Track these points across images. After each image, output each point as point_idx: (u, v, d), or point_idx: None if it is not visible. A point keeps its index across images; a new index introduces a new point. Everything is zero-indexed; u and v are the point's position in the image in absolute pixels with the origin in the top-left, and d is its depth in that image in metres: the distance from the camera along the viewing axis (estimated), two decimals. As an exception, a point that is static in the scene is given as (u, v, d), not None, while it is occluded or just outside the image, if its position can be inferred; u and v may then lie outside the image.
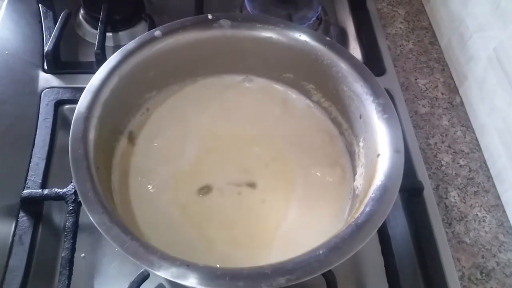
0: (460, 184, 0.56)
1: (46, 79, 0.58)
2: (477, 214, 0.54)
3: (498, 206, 0.55)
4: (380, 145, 0.40)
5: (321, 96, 0.50)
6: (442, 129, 0.61)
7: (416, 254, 0.48)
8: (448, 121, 0.62)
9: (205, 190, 0.45)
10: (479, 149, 0.59)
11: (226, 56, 0.51)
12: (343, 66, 0.45)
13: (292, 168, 0.47)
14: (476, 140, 0.60)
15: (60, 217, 0.48)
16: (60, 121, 0.55)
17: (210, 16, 0.48)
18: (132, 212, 0.43)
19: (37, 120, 0.54)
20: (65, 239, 0.44)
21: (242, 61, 0.52)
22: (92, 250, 0.46)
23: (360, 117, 0.44)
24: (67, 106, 0.56)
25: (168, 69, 0.49)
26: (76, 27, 0.65)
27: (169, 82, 0.51)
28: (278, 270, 0.32)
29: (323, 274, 0.42)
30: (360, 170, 0.44)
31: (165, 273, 0.32)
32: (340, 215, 0.44)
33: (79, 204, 0.45)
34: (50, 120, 0.54)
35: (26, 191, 0.47)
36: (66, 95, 0.56)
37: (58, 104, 0.56)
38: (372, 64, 0.62)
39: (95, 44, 0.59)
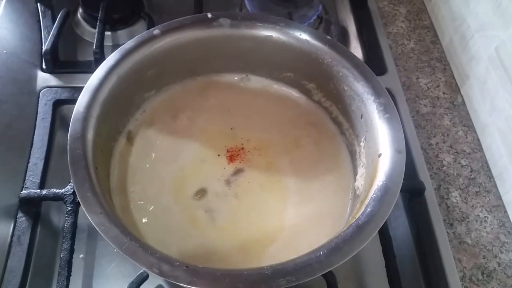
0: (462, 184, 0.56)
1: (44, 79, 0.58)
2: (478, 215, 0.54)
3: (500, 206, 0.54)
4: (381, 145, 0.40)
5: (322, 96, 0.50)
6: (444, 129, 0.61)
7: (417, 255, 0.48)
8: (450, 121, 0.62)
9: (201, 194, 0.44)
10: (481, 149, 0.59)
11: (226, 55, 0.50)
12: (344, 65, 0.45)
13: (292, 168, 0.47)
14: (478, 140, 0.60)
15: (59, 217, 0.48)
16: (58, 120, 0.55)
17: (209, 15, 0.48)
18: (130, 212, 0.42)
19: (36, 120, 0.53)
20: (64, 240, 0.44)
21: (242, 60, 0.51)
22: (91, 251, 0.46)
23: (361, 117, 0.44)
24: (66, 105, 0.56)
25: (167, 68, 0.49)
26: (74, 26, 0.65)
27: (168, 81, 0.51)
28: (278, 271, 0.32)
29: (324, 275, 0.42)
30: (361, 170, 0.44)
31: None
32: (341, 215, 0.44)
33: (78, 204, 0.45)
34: (49, 119, 0.53)
35: (24, 192, 0.47)
36: (65, 95, 0.56)
37: (57, 103, 0.55)
38: (373, 63, 0.61)
39: (93, 43, 0.58)
